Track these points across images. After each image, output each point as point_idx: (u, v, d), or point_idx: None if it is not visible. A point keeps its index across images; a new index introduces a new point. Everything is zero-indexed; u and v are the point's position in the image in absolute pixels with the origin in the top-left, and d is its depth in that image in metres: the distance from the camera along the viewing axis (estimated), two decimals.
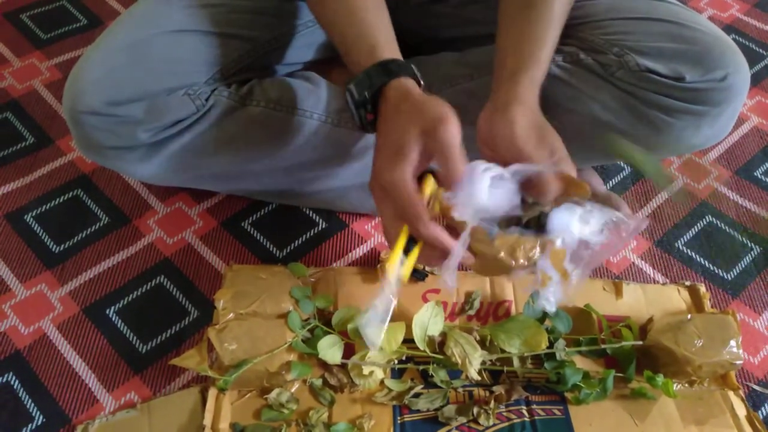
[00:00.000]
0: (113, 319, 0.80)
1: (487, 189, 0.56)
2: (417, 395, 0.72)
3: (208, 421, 0.68)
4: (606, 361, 0.76)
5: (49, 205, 0.91)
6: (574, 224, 0.57)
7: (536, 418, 0.70)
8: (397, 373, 0.74)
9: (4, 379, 0.74)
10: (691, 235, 0.93)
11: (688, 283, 0.84)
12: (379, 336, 0.60)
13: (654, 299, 0.81)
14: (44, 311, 0.80)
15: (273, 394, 0.70)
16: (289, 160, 0.81)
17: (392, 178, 0.57)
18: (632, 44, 0.72)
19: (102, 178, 0.94)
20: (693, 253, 0.90)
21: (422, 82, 0.65)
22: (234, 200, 0.92)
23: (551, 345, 0.74)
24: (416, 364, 0.74)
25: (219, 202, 0.92)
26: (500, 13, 0.71)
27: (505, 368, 0.74)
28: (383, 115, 0.63)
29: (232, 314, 0.73)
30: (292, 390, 0.72)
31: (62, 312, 0.80)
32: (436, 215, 0.58)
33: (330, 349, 0.72)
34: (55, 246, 0.87)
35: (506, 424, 0.70)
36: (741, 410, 0.73)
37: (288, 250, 0.87)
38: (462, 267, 0.59)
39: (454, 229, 0.58)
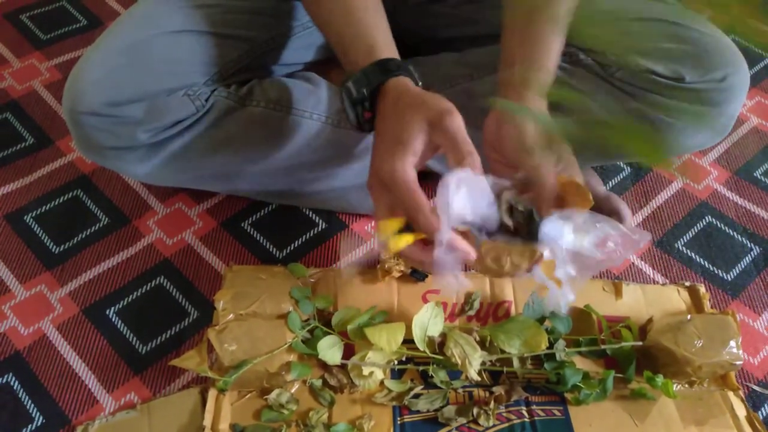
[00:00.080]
0: (113, 319, 0.80)
1: (462, 196, 0.55)
2: (417, 396, 0.72)
3: (208, 421, 0.68)
4: (606, 362, 0.76)
5: (48, 205, 0.91)
6: (567, 235, 0.57)
7: (536, 418, 0.70)
8: (397, 374, 0.74)
9: (4, 380, 0.74)
10: (691, 235, 0.93)
11: (687, 283, 0.84)
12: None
13: (654, 300, 0.81)
14: (44, 312, 0.80)
15: (273, 395, 0.70)
16: (288, 160, 0.81)
17: (392, 168, 0.56)
18: (632, 45, 0.72)
19: (102, 178, 0.94)
20: (693, 254, 0.90)
21: (420, 83, 0.65)
22: (234, 201, 0.92)
23: (551, 345, 0.74)
24: (416, 364, 0.74)
25: (219, 202, 0.92)
26: (504, 22, 0.70)
27: (505, 369, 0.74)
28: (382, 113, 0.63)
29: (231, 315, 0.73)
30: (292, 391, 0.72)
31: (62, 313, 0.80)
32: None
33: (330, 350, 0.72)
34: (54, 247, 0.87)
35: (506, 424, 0.70)
36: (741, 411, 0.73)
37: (288, 251, 0.87)
38: (465, 267, 0.59)
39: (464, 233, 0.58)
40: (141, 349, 0.77)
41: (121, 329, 0.79)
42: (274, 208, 0.92)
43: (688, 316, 0.77)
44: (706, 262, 0.90)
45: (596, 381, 0.72)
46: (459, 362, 0.71)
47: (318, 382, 0.72)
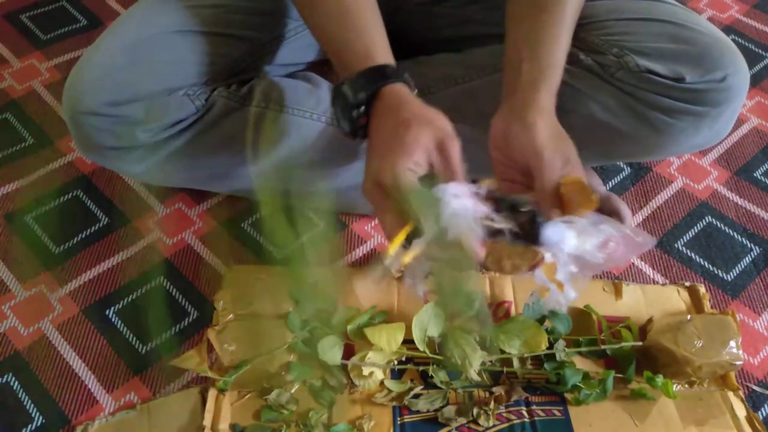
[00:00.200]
0: (113, 319, 0.80)
1: (456, 205, 0.55)
2: (417, 396, 0.72)
3: (207, 421, 0.68)
4: (606, 362, 0.76)
5: (48, 205, 0.91)
6: (570, 240, 0.57)
7: (536, 418, 0.70)
8: (397, 374, 0.74)
9: (4, 380, 0.74)
10: (691, 235, 0.93)
11: (687, 283, 0.84)
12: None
13: (654, 300, 0.81)
14: (44, 312, 0.80)
15: (273, 395, 0.70)
16: (288, 160, 0.81)
17: (395, 172, 0.56)
18: (632, 45, 0.72)
19: (102, 178, 0.94)
20: (692, 254, 0.90)
21: (416, 90, 0.64)
22: (234, 201, 0.92)
23: (551, 346, 0.74)
24: (416, 364, 0.74)
25: (218, 202, 0.92)
26: (509, 16, 0.70)
27: (505, 369, 0.74)
28: (380, 118, 0.62)
29: (231, 315, 0.73)
30: (292, 391, 0.72)
31: (62, 313, 0.80)
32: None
33: (330, 350, 0.72)
34: (54, 247, 0.87)
35: (506, 425, 0.70)
36: (741, 411, 0.73)
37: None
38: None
39: None
40: (141, 349, 0.77)
41: (121, 329, 0.79)
42: None
43: (688, 317, 0.77)
44: (706, 263, 0.90)
45: (596, 381, 0.72)
46: (459, 362, 0.71)
47: (318, 383, 0.72)
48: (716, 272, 0.89)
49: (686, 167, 1.01)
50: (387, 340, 0.71)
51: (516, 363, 0.74)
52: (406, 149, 0.57)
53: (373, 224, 0.91)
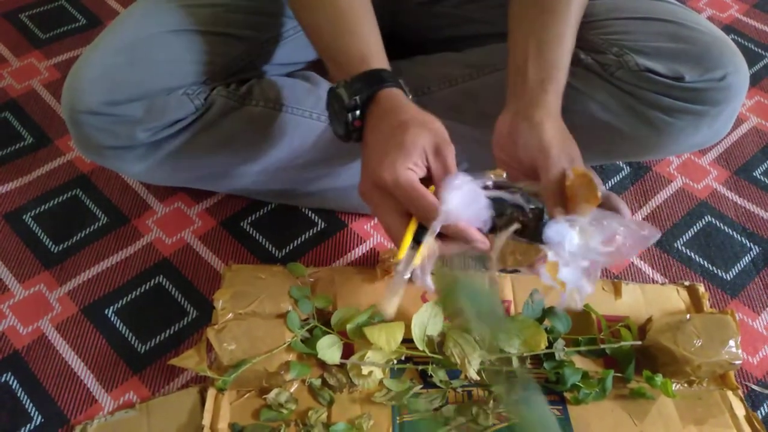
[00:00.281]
0: (112, 319, 0.80)
1: (457, 199, 0.56)
2: (416, 395, 0.72)
3: (207, 421, 0.68)
4: (605, 361, 0.76)
5: (47, 205, 0.91)
6: (572, 238, 0.57)
7: None
8: (397, 373, 0.74)
9: (3, 380, 0.74)
10: (690, 235, 0.93)
11: (687, 283, 0.84)
12: (393, 307, 0.61)
13: (653, 299, 0.81)
14: (43, 311, 0.80)
15: (272, 394, 0.70)
16: (288, 160, 0.81)
17: (395, 172, 0.56)
18: (631, 44, 0.72)
19: (101, 177, 0.94)
20: (692, 253, 0.90)
21: (410, 95, 0.64)
22: (233, 200, 0.92)
23: (550, 345, 0.74)
24: (415, 364, 0.74)
25: (218, 202, 0.92)
26: (512, 16, 0.69)
27: (505, 368, 0.74)
28: (376, 121, 0.62)
29: (231, 314, 0.73)
30: (291, 390, 0.72)
31: (61, 312, 0.80)
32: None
33: (329, 349, 0.72)
34: (53, 246, 0.87)
35: (505, 424, 0.70)
36: (740, 410, 0.73)
37: (287, 250, 0.87)
38: None
39: None
40: (140, 349, 0.77)
41: (120, 329, 0.79)
42: (274, 208, 0.92)
43: (688, 316, 0.77)
44: (705, 262, 0.90)
45: (595, 380, 0.72)
46: (458, 362, 0.71)
47: (317, 382, 0.72)
48: (715, 271, 0.89)
49: (686, 166, 1.01)
50: (386, 340, 0.71)
51: (515, 362, 0.74)
52: (404, 150, 0.57)
53: (372, 224, 0.91)
